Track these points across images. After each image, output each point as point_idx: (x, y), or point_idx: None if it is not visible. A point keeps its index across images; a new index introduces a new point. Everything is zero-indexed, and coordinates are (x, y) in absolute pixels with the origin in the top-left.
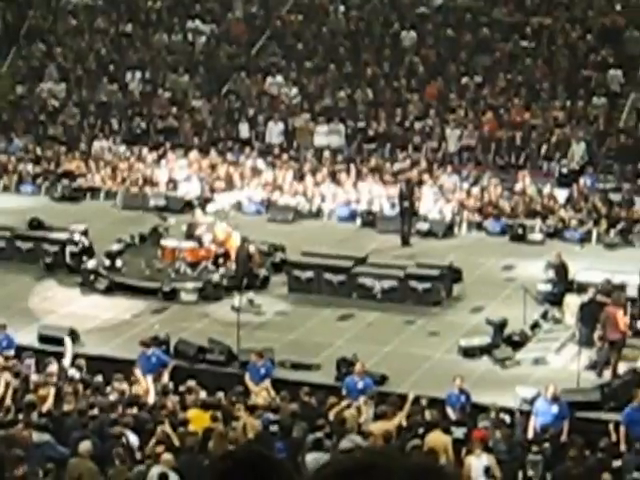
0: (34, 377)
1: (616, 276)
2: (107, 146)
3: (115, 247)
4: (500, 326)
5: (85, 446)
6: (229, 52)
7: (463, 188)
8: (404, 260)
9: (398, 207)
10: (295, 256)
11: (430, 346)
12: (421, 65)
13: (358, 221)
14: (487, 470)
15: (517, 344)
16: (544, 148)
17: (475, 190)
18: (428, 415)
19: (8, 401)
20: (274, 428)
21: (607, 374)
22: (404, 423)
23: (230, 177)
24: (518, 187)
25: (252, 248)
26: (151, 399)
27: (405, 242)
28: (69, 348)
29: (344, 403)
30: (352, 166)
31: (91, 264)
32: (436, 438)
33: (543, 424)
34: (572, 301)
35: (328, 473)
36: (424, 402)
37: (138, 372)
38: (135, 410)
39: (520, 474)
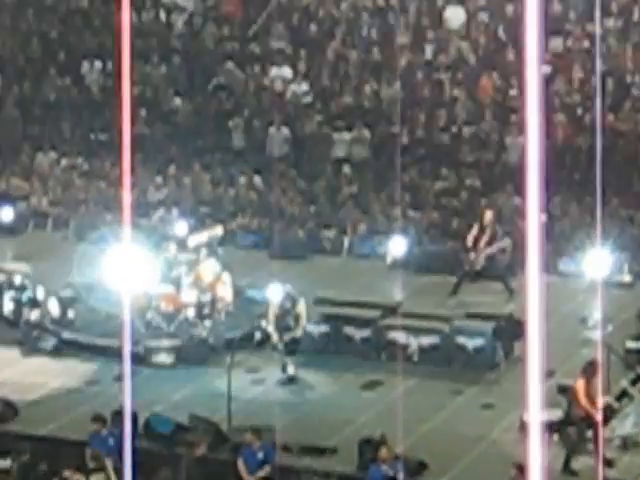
0: None
1: None
2: (56, 159)
3: (66, 293)
4: None
5: None
6: (217, 35)
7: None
8: (449, 309)
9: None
10: (305, 304)
11: (484, 423)
12: (471, 52)
13: (388, 258)
14: None
15: None
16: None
17: (542, 218)
18: None
19: None
20: None
21: None
22: None
23: (219, 199)
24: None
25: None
26: None
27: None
28: None
29: None
30: (380, 185)
31: (34, 315)
32: None
33: None
34: None
35: None
36: None
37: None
38: None
39: None
